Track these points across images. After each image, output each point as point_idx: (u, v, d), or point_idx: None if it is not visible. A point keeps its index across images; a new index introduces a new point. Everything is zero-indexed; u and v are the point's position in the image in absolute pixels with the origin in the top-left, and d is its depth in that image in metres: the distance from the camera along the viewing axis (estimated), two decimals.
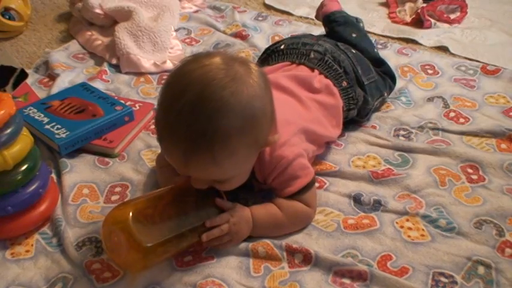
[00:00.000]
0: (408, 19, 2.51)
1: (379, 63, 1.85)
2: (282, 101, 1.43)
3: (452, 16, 2.52)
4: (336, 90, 1.60)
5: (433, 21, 2.44)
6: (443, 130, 1.74)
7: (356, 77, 1.67)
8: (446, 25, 2.47)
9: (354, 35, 1.90)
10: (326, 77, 1.61)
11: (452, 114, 1.82)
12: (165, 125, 1.18)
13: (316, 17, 2.11)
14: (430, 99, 1.89)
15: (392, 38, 2.35)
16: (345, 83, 1.63)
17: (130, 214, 1.16)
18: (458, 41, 2.32)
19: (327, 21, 2.00)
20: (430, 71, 2.08)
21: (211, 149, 1.14)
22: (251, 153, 1.25)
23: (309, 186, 1.38)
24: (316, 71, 1.62)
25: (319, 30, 2.25)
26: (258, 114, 1.19)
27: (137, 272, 1.23)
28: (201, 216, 1.26)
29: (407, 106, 1.86)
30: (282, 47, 1.73)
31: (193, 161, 1.15)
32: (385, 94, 1.80)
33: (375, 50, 1.94)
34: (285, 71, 1.62)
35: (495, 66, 2.10)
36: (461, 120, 1.79)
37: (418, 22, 2.47)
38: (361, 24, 2.04)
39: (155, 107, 1.81)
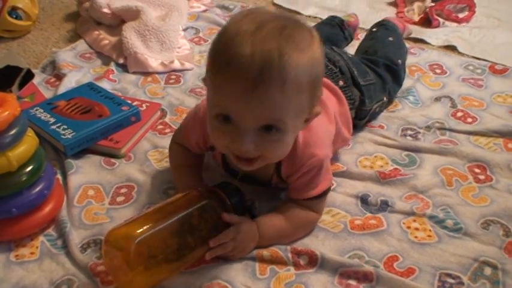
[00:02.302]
0: (416, 18, 2.51)
1: (394, 64, 1.84)
2: None
3: (460, 15, 2.52)
4: (335, 87, 1.59)
5: (441, 20, 2.44)
6: (451, 130, 1.73)
7: (352, 77, 1.67)
8: (454, 24, 2.47)
9: (390, 39, 1.97)
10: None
11: (459, 113, 1.81)
12: (242, 42, 1.10)
13: None
14: (437, 99, 1.89)
15: None
16: (341, 82, 1.62)
17: (135, 241, 1.14)
18: (466, 40, 2.32)
19: (379, 23, 2.11)
20: (438, 71, 2.07)
21: (286, 71, 1.09)
22: (304, 111, 1.20)
23: (325, 192, 1.38)
24: None
25: None
26: (320, 73, 1.20)
27: None
28: (206, 233, 1.25)
29: (415, 106, 1.86)
30: None
31: (264, 85, 1.09)
32: (385, 99, 1.79)
33: (401, 57, 1.92)
34: None
35: (503, 65, 2.10)
36: (469, 119, 1.78)
37: (426, 21, 2.46)
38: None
39: (162, 106, 1.83)
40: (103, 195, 1.50)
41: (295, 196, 1.37)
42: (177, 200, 1.29)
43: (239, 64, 1.09)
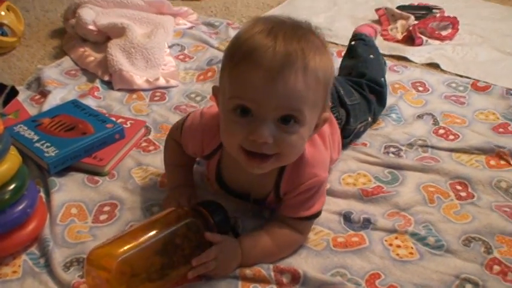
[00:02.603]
0: (400, 36, 2.53)
1: (378, 85, 1.87)
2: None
3: (443, 33, 2.54)
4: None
5: (424, 38, 2.46)
6: (433, 147, 1.75)
7: (339, 97, 1.68)
8: (437, 42, 2.49)
9: (371, 56, 1.99)
10: None
11: (441, 131, 1.83)
12: (262, 38, 1.15)
13: None
14: (420, 117, 1.91)
15: (384, 56, 2.34)
16: (329, 103, 1.62)
17: (117, 260, 1.14)
18: (449, 58, 2.34)
19: (356, 36, 2.13)
20: (420, 88, 2.09)
21: (307, 62, 1.14)
22: (318, 108, 1.23)
23: (317, 215, 1.38)
24: None
25: None
26: (331, 81, 1.25)
27: None
28: (189, 251, 1.25)
29: (398, 123, 1.87)
30: None
31: (287, 70, 1.12)
32: (369, 119, 1.81)
33: (383, 74, 1.96)
34: None
35: (486, 82, 2.12)
36: (451, 137, 1.80)
37: (410, 39, 2.49)
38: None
39: (147, 123, 1.83)
40: (86, 213, 1.50)
41: (287, 214, 1.37)
42: (161, 218, 1.29)
43: (263, 53, 1.13)
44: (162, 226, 1.25)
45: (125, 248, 1.17)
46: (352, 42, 2.10)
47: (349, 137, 1.74)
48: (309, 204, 1.35)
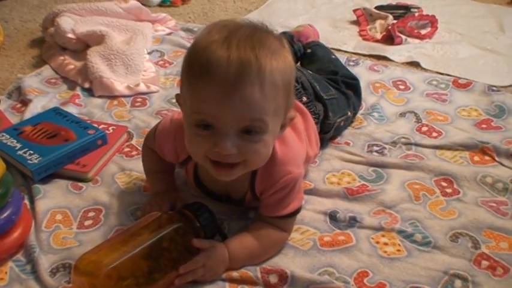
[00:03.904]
0: (379, 36, 2.54)
1: (353, 79, 1.90)
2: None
3: (423, 31, 2.55)
4: (299, 103, 1.59)
5: (403, 37, 2.47)
6: (416, 145, 1.75)
7: (314, 92, 1.69)
8: (417, 41, 2.50)
9: (333, 56, 2.04)
10: None
11: (424, 128, 1.83)
12: (216, 49, 1.13)
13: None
14: (402, 115, 1.92)
15: (364, 55, 2.37)
16: (304, 98, 1.64)
17: (105, 268, 1.14)
18: (429, 56, 2.36)
19: (309, 44, 2.15)
20: (401, 87, 2.10)
21: (262, 71, 1.12)
22: (281, 112, 1.23)
23: (296, 211, 1.37)
24: None
25: None
26: (292, 80, 1.24)
27: None
28: (176, 254, 1.24)
29: (380, 122, 1.88)
30: None
31: (243, 84, 1.11)
32: (349, 114, 1.81)
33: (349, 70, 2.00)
34: None
35: (466, 79, 2.13)
36: (434, 134, 1.80)
37: (389, 39, 2.50)
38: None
39: (129, 129, 1.82)
40: (71, 219, 1.48)
41: (266, 213, 1.36)
42: (148, 224, 1.27)
43: (217, 67, 1.12)
44: (149, 232, 1.24)
45: (113, 255, 1.16)
46: (308, 50, 2.12)
47: (329, 131, 1.74)
48: (287, 202, 1.34)
